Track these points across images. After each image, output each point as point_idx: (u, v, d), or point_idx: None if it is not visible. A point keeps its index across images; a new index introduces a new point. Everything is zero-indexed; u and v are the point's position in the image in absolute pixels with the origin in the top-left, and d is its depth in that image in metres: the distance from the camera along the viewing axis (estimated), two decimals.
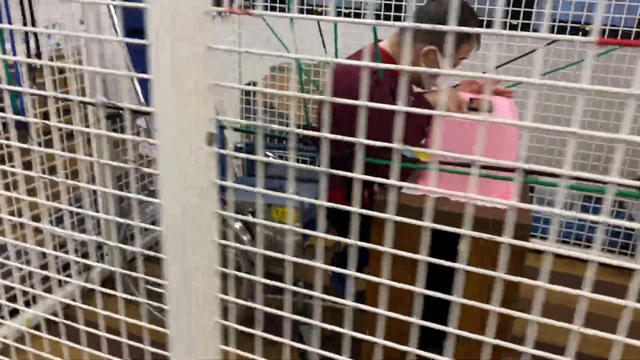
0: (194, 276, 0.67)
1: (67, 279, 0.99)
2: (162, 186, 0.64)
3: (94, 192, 2.15)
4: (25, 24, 1.60)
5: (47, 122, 0.76)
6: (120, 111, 1.92)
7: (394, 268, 1.39)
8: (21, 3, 1.60)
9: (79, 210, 0.83)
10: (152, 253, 0.80)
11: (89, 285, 0.88)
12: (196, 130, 0.60)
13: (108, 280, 2.22)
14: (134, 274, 0.83)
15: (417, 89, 1.76)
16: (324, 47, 2.34)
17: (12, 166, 0.85)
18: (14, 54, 1.57)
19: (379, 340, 0.64)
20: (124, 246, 0.77)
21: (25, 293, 1.88)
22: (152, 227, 0.73)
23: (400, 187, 1.42)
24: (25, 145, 0.78)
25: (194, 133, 0.60)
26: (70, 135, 2.25)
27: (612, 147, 2.49)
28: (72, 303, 0.88)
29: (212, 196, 0.64)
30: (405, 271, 1.31)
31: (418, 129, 1.45)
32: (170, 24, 0.56)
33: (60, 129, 1.98)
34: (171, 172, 0.62)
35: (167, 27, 0.57)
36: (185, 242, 0.66)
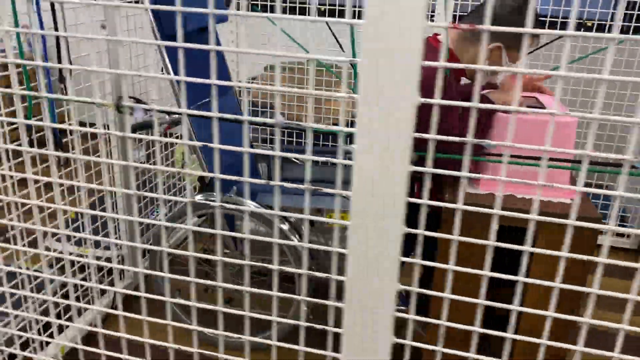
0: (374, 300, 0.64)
1: (107, 288, 0.94)
2: (354, 208, 0.61)
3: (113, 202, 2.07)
4: (56, 29, 1.52)
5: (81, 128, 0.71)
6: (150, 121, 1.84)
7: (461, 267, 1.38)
8: (52, 9, 1.53)
9: (103, 213, 0.78)
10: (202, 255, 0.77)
11: (130, 292, 0.83)
12: (404, 149, 0.57)
13: (130, 297, 2.14)
14: (160, 274, 0.79)
15: (464, 82, 1.74)
16: (340, 47, 2.30)
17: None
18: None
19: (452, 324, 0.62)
20: (159, 248, 0.73)
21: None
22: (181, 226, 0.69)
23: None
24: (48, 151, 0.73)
25: (401, 153, 0.57)
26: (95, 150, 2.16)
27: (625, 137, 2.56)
28: (113, 312, 0.84)
29: (401, 217, 0.61)
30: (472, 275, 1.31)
31: (479, 128, 1.44)
32: (387, 40, 0.53)
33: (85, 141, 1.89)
34: (370, 193, 0.59)
35: (382, 42, 0.54)
36: (370, 263, 0.63)
